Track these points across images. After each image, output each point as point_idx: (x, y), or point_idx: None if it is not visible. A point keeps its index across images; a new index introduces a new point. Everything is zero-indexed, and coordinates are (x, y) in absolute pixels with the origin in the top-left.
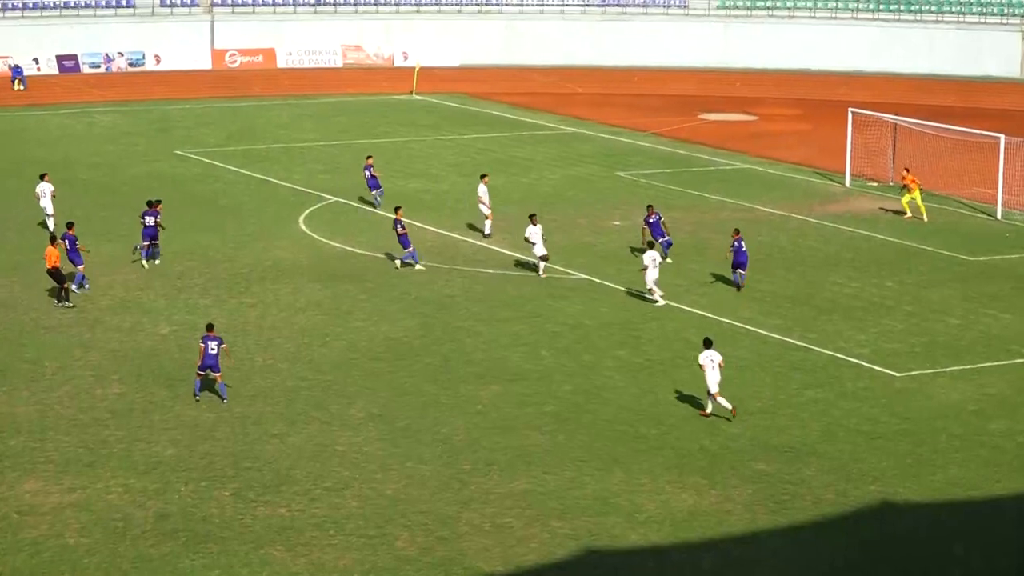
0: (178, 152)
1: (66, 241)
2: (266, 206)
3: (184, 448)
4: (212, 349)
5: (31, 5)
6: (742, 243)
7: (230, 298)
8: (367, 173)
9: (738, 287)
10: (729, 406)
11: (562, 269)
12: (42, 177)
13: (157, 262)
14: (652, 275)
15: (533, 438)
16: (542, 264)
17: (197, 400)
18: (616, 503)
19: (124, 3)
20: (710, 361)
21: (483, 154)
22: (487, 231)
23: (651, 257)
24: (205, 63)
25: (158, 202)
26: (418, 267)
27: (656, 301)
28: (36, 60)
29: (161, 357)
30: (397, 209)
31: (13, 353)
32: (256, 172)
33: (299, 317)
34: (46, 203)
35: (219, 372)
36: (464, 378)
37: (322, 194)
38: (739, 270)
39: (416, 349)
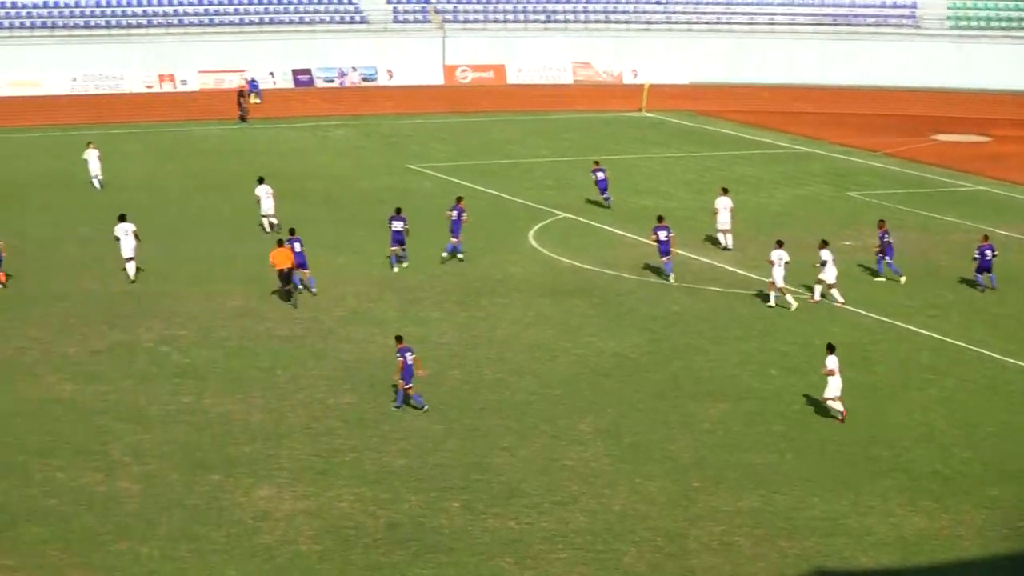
0: (409, 166)
1: (295, 244)
2: (496, 221)
3: (415, 458)
4: (409, 360)
5: (268, 20)
6: (988, 248)
7: (461, 311)
8: (598, 176)
9: (989, 287)
10: (841, 408)
11: (792, 289)
12: (260, 180)
13: (405, 265)
14: (778, 273)
15: (761, 457)
16: (818, 288)
17: (397, 408)
18: (846, 524)
19: (358, 19)
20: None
21: (712, 172)
22: (727, 244)
23: (777, 256)
24: (437, 78)
25: (460, 198)
26: (671, 279)
27: (774, 302)
28: (272, 74)
29: (392, 368)
30: (660, 218)
31: (248, 361)
32: (486, 187)
33: (529, 331)
34: (267, 205)
35: (410, 384)
36: (692, 395)
37: (552, 209)
38: (986, 273)
39: (644, 365)
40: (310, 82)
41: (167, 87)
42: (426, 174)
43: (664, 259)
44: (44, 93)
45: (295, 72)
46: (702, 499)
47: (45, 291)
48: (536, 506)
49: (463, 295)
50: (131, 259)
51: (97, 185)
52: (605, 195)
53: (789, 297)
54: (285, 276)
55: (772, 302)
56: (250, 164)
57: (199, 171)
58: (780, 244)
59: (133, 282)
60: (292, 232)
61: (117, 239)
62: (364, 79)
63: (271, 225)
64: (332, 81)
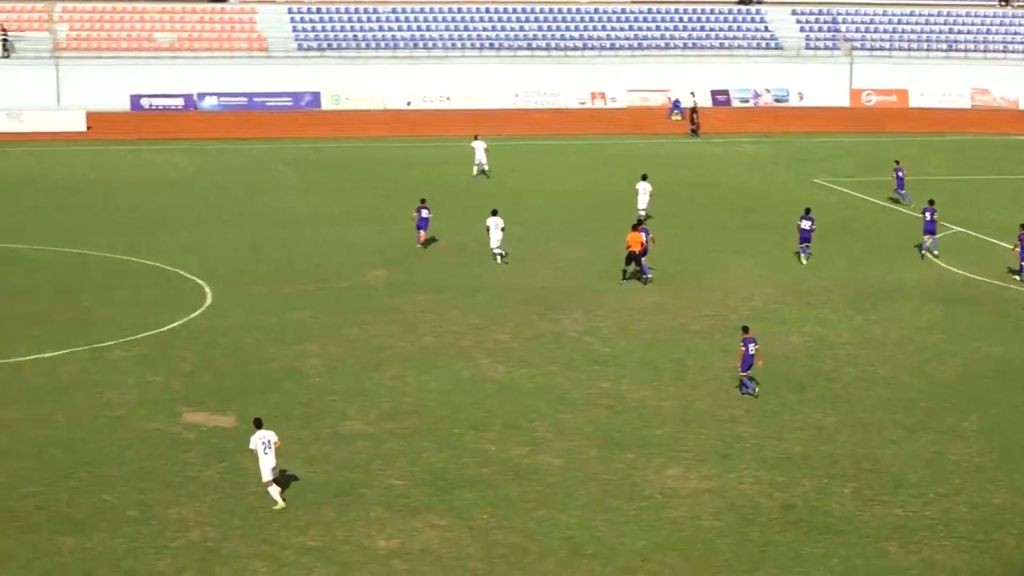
0: (816, 180)
1: (645, 233)
2: (892, 232)
3: (810, 447)
4: (751, 350)
5: (691, 45)
6: None
7: (856, 314)
8: (899, 174)
9: None
10: None
11: None
12: (643, 177)
13: (805, 262)
14: None
15: None
16: None
17: (747, 394)
18: None
19: (773, 45)
20: None
21: None
22: None
23: None
24: (843, 101)
25: (932, 201)
26: None
27: None
28: (693, 93)
29: (792, 363)
30: (1023, 227)
31: (662, 353)
32: (885, 201)
33: (919, 335)
34: (642, 200)
35: (746, 372)
36: None
37: (947, 224)
38: None
39: None
40: (727, 102)
41: (598, 104)
42: (831, 188)
43: None
44: (489, 107)
45: (713, 92)
46: None
47: (482, 283)
48: (921, 496)
49: (858, 299)
50: (497, 248)
51: (475, 172)
52: (901, 191)
53: None
54: (634, 257)
55: None
56: (670, 174)
57: (623, 180)
58: None
59: (504, 263)
60: (640, 222)
61: (488, 229)
62: (776, 100)
63: (640, 217)
64: (747, 101)
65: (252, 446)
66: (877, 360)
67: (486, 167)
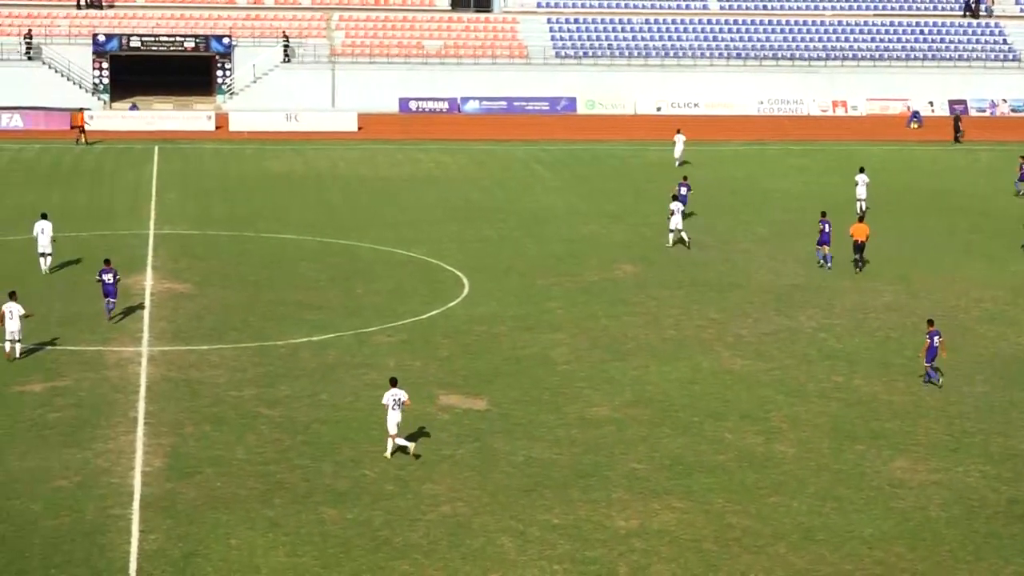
0: None
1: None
2: None
3: None
4: (935, 342)
5: (930, 57)
6: None
7: None
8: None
9: None
10: None
11: None
12: (861, 170)
13: None
14: None
15: None
16: None
17: (930, 383)
18: None
19: (1011, 57)
20: None
21: None
22: None
23: None
24: None
25: (824, 213)
26: None
27: None
28: (931, 103)
29: (1021, 363)
30: None
31: (894, 350)
32: None
33: None
34: (860, 191)
35: (930, 363)
36: None
37: None
38: None
39: None
40: (964, 111)
41: (839, 111)
42: None
43: None
44: (735, 113)
45: (951, 102)
46: None
47: (724, 280)
48: None
49: None
50: (679, 229)
51: (677, 163)
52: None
53: None
54: (858, 247)
55: None
56: (907, 179)
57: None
58: None
59: (671, 246)
60: (823, 215)
61: (671, 212)
62: (1012, 110)
63: (862, 209)
64: (984, 111)
65: (384, 402)
66: None
67: (681, 159)
